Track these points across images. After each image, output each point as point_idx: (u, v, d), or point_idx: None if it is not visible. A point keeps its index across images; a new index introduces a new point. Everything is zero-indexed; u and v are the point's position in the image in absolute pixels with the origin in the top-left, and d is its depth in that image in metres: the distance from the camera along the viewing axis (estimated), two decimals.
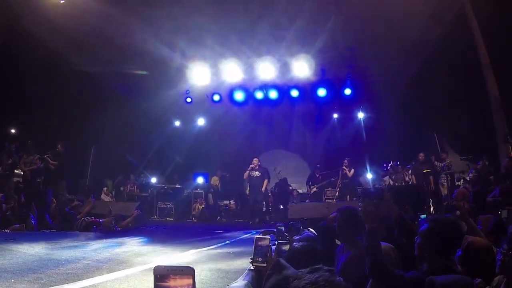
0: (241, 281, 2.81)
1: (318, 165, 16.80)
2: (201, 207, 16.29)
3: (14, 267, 4.19)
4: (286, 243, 4.01)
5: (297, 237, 4.23)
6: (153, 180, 17.57)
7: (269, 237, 2.64)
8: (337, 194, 14.74)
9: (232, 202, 16.36)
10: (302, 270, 1.84)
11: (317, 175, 16.29)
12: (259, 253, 2.52)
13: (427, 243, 3.19)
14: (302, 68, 14.91)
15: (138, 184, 17.19)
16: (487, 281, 3.07)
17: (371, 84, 16.00)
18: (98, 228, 9.90)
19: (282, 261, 2.63)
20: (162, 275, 1.44)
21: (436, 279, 2.63)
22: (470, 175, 12.96)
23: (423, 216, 5.37)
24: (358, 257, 3.53)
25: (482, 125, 13.41)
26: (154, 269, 1.45)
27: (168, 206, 16.37)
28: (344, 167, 14.72)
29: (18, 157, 13.44)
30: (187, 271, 1.44)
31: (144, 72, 15.05)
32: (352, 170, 14.65)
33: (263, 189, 14.44)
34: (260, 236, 2.55)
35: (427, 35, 12.93)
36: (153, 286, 1.45)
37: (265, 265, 2.51)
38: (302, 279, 1.74)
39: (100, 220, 10.19)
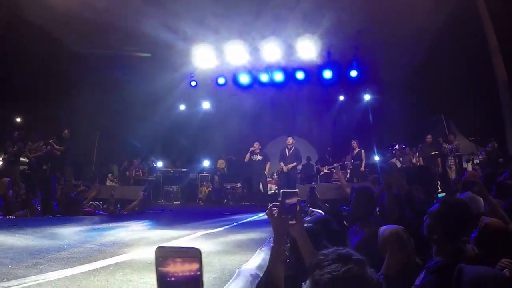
0: (252, 263, 2.72)
1: (329, 148, 16.75)
2: (208, 190, 16.30)
3: (13, 252, 4.09)
4: None
5: (307, 218, 4.15)
6: (159, 164, 17.57)
7: (297, 190, 2.46)
8: (348, 175, 14.55)
9: (238, 185, 16.34)
10: (325, 252, 1.60)
11: (328, 158, 16.20)
12: (287, 210, 2.35)
13: (436, 225, 3.10)
14: (308, 50, 14.70)
15: (143, 168, 17.19)
16: None
17: (378, 66, 15.77)
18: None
19: (328, 244, 2.50)
20: (164, 257, 1.28)
21: (465, 270, 2.45)
22: (480, 157, 12.85)
23: (440, 195, 5.30)
24: (372, 236, 3.45)
25: (490, 108, 13.26)
26: (155, 251, 1.28)
27: (175, 189, 16.41)
28: (354, 148, 14.55)
29: (23, 144, 13.43)
30: (193, 253, 1.27)
31: (147, 55, 14.91)
32: (363, 152, 14.42)
33: (266, 171, 14.44)
34: (287, 190, 2.36)
35: (435, 17, 12.69)
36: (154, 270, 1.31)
37: (294, 222, 2.36)
38: (325, 269, 1.51)
39: (97, 211, 10.07)
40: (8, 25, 13.01)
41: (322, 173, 15.77)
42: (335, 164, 15.19)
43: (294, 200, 2.33)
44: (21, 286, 2.87)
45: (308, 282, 1.56)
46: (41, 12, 12.04)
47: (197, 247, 1.28)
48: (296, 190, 2.44)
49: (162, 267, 1.28)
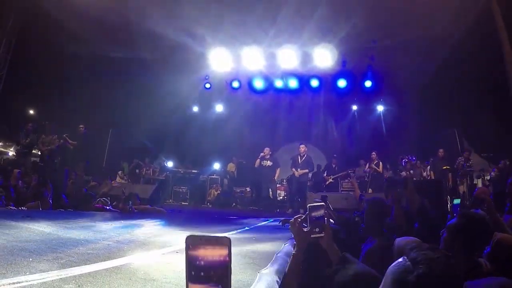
0: (271, 268, 2.77)
1: (335, 155, 16.62)
2: (217, 193, 16.32)
3: (32, 245, 4.08)
4: None
5: None
6: (170, 164, 17.64)
7: (324, 204, 2.48)
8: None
9: (247, 189, 16.34)
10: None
11: (334, 166, 16.14)
12: (315, 223, 2.38)
13: (454, 239, 3.09)
14: (324, 58, 14.69)
15: (154, 167, 17.28)
16: None
17: (392, 77, 15.75)
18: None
19: (349, 255, 2.52)
20: (194, 245, 1.29)
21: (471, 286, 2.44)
22: (492, 173, 12.78)
23: (456, 201, 5.27)
24: (384, 245, 3.45)
25: (504, 124, 13.18)
26: (186, 238, 1.30)
27: (184, 190, 16.45)
28: (373, 159, 14.54)
29: (36, 137, 13.58)
30: (222, 241, 1.30)
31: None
32: (381, 164, 14.42)
33: (276, 177, 14.46)
34: (314, 204, 2.38)
35: (451, 30, 12.67)
36: (184, 255, 1.34)
37: (322, 235, 2.39)
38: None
39: (106, 207, 10.19)
40: (28, 19, 13.16)
41: (327, 182, 15.67)
42: (349, 172, 15.15)
43: (320, 213, 2.37)
44: (45, 280, 2.88)
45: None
46: (59, 6, 12.18)
47: (227, 236, 1.33)
48: (323, 203, 2.47)
49: (192, 252, 1.30)
